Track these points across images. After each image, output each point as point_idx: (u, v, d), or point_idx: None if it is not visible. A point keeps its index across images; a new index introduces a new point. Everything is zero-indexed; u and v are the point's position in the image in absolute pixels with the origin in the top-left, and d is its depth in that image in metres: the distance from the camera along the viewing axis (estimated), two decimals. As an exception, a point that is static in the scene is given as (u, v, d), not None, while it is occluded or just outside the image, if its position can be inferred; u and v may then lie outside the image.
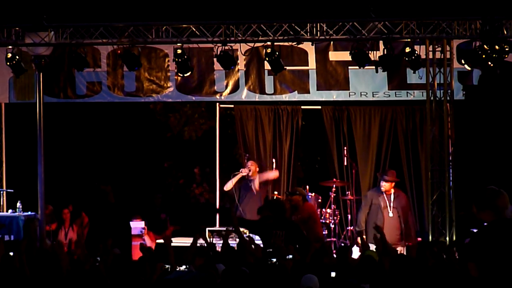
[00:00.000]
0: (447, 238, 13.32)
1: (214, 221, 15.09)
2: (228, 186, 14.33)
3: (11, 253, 9.55)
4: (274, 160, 14.97)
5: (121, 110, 16.53)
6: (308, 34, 12.85)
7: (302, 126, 15.35)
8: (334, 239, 14.09)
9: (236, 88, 14.48)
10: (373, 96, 14.17)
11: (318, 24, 12.82)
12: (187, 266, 9.69)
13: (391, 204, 13.18)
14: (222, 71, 14.19)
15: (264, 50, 13.08)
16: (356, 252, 11.45)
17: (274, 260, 9.36)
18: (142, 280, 8.08)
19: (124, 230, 14.05)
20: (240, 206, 14.02)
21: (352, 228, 14.25)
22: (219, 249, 10.66)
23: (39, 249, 11.34)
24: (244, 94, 14.50)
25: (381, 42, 13.00)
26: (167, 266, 9.11)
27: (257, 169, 14.29)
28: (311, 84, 14.26)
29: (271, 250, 10.22)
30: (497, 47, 11.63)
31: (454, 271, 8.14)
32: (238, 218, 11.79)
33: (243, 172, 14.18)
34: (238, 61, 13.83)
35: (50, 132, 14.45)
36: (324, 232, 13.71)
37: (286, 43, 13.45)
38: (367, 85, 14.12)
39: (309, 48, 14.01)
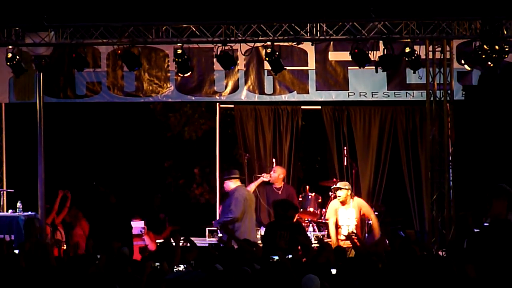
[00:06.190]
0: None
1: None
2: (251, 188, 14.14)
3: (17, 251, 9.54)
4: (274, 160, 14.96)
5: (121, 110, 16.53)
6: (308, 34, 12.86)
7: (302, 126, 15.33)
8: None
9: (235, 88, 14.49)
10: (372, 96, 14.18)
11: (318, 24, 12.83)
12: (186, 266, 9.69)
13: None
14: (222, 71, 14.20)
15: (264, 50, 13.10)
16: None
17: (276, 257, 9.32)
18: (138, 280, 8.10)
19: (126, 231, 14.02)
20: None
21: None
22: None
23: (40, 250, 11.32)
24: (244, 94, 14.51)
25: (381, 42, 13.00)
26: (156, 264, 9.07)
27: (281, 176, 14.12)
28: (310, 84, 14.27)
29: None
30: (497, 47, 11.63)
31: (452, 271, 8.14)
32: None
33: (264, 177, 14.12)
34: (238, 61, 13.83)
35: (50, 132, 14.45)
36: (324, 232, 13.71)
37: (286, 43, 13.45)
38: (366, 85, 14.13)
39: (309, 48, 14.02)
